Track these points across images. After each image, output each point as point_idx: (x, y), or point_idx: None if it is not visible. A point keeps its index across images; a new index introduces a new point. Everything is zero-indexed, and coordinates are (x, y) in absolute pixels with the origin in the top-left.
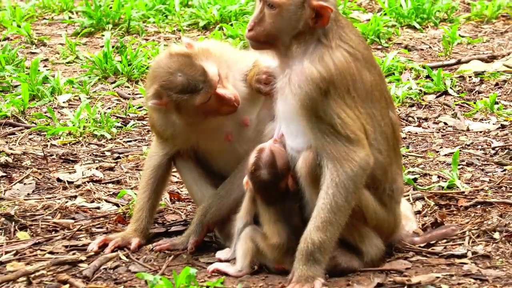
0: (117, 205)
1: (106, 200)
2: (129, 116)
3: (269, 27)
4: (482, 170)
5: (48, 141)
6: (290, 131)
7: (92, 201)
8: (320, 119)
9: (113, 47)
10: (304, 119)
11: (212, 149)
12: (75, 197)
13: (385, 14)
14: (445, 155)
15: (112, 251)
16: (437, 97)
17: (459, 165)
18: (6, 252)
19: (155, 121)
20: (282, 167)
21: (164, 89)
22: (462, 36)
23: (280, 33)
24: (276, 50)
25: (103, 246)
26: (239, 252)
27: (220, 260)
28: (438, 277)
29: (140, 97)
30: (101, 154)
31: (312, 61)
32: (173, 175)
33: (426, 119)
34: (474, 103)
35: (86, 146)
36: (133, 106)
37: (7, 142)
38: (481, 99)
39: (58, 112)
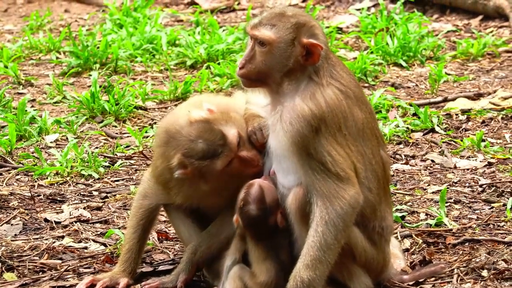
0: (104, 245)
1: (93, 240)
2: (116, 155)
3: (260, 64)
4: (470, 207)
5: (36, 181)
6: (282, 168)
7: (80, 241)
8: (311, 156)
9: (100, 86)
10: (295, 156)
11: (216, 203)
12: (63, 237)
13: (371, 52)
14: (433, 192)
15: None
16: (424, 134)
17: (446, 202)
18: None
19: (182, 190)
20: (270, 203)
21: (186, 157)
22: (448, 74)
23: (271, 70)
24: (267, 87)
25: (91, 286)
26: None
27: None
28: None
29: (127, 136)
30: (89, 194)
31: (304, 98)
32: (161, 214)
33: (413, 157)
34: (461, 140)
35: (73, 186)
36: (121, 145)
37: None
38: (468, 136)
39: (46, 152)
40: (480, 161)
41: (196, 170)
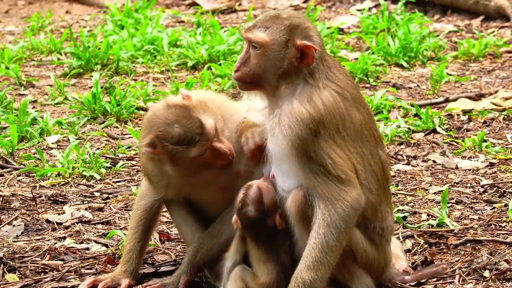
0: (106, 245)
1: (95, 241)
2: (118, 156)
3: (255, 67)
4: (472, 208)
5: (37, 182)
6: (281, 171)
7: (81, 242)
8: (311, 159)
9: (101, 87)
10: (295, 160)
11: (204, 198)
12: (64, 238)
13: (373, 53)
14: (434, 193)
15: None
16: (425, 135)
17: (448, 203)
18: None
19: (150, 171)
20: (269, 204)
21: (159, 139)
22: (450, 75)
23: (265, 73)
24: (263, 90)
25: (93, 287)
26: None
27: None
28: None
29: (129, 137)
30: (90, 195)
31: (301, 101)
32: (163, 215)
33: (415, 157)
34: (463, 141)
35: (75, 187)
36: (122, 146)
37: None
38: (470, 137)
39: (47, 153)
40: (482, 162)
41: (168, 154)
